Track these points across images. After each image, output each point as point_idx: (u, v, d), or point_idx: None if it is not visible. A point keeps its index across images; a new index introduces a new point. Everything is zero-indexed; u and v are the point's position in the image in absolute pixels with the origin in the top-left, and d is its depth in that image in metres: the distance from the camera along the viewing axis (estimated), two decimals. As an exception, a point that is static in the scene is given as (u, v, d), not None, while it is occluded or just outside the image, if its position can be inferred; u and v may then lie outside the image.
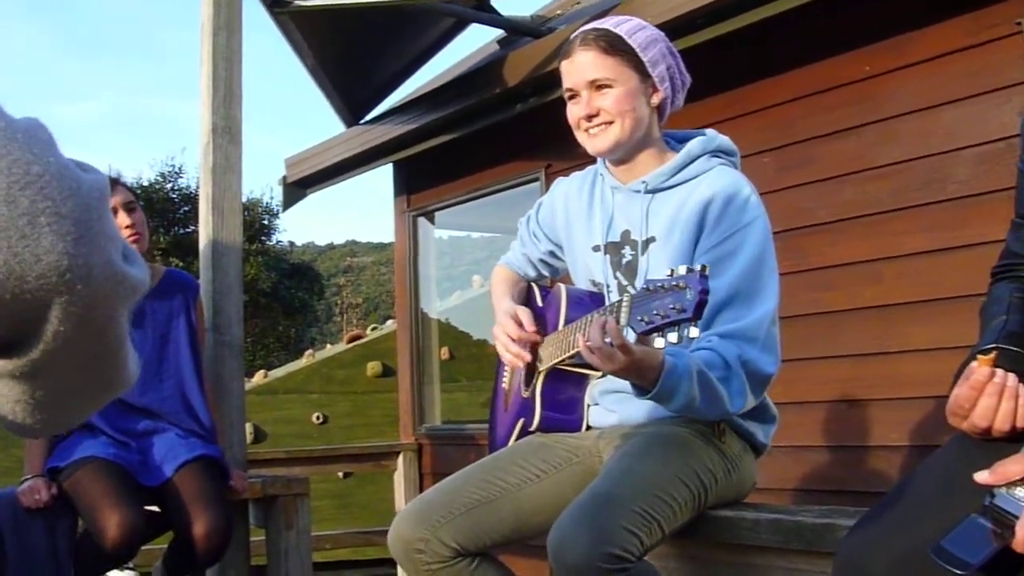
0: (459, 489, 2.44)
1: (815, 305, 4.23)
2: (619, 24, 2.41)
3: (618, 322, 1.95)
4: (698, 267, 1.83)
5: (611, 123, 2.39)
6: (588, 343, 2.04)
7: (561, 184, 2.73)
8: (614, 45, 2.36)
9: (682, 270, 1.84)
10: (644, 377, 2.09)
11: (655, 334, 1.87)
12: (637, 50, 2.37)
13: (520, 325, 2.50)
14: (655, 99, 2.43)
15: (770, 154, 4.42)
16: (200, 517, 3.24)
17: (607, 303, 2.27)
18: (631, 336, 2.00)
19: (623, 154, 2.47)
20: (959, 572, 1.41)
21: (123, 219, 3.45)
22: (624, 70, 2.37)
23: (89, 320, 0.69)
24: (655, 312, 1.84)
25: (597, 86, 2.38)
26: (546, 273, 2.84)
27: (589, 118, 2.40)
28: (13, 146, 0.64)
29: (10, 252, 0.62)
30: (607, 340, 2.00)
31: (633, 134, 2.41)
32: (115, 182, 3.55)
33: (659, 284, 1.86)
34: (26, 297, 0.64)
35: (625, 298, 1.93)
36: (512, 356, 2.51)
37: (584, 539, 2.03)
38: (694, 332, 1.84)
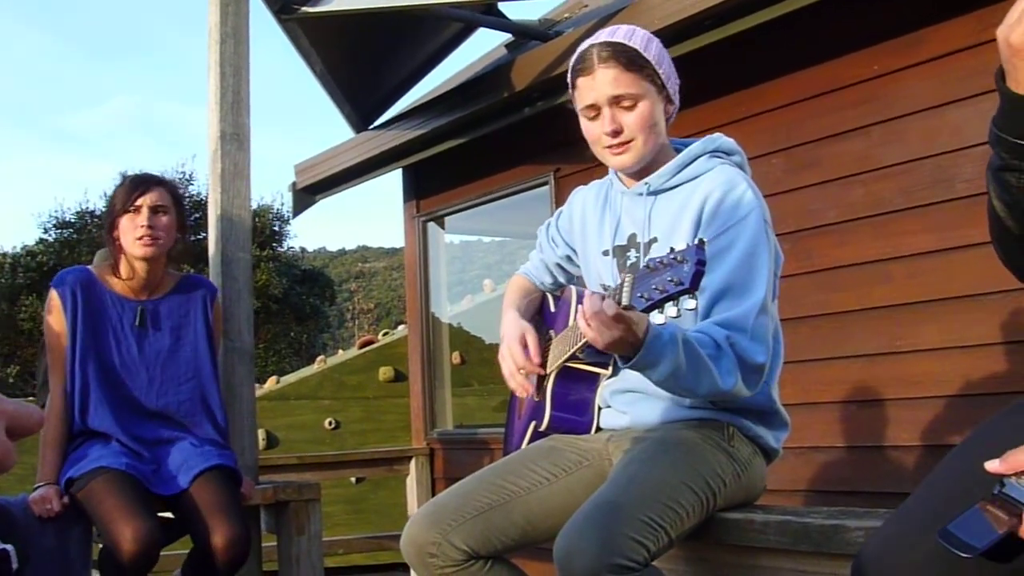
0: (471, 493, 2.45)
1: (824, 306, 4.23)
2: (630, 36, 2.40)
3: (620, 302, 1.95)
4: (696, 241, 1.84)
5: (633, 140, 2.41)
6: (586, 312, 2.04)
7: (579, 192, 2.77)
8: (634, 61, 2.37)
9: (682, 246, 1.86)
10: (632, 347, 2.09)
11: (655, 310, 1.89)
12: (653, 64, 2.39)
13: (525, 348, 2.53)
14: (669, 110, 2.47)
15: (778, 155, 4.42)
16: (219, 528, 3.22)
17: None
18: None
19: (643, 164, 2.48)
20: (965, 555, 1.42)
21: (142, 219, 3.45)
22: (645, 85, 2.39)
23: None
24: (654, 288, 1.86)
25: (620, 103, 2.39)
26: (562, 279, 2.87)
27: (615, 134, 2.40)
28: None
29: None
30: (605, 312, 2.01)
31: (654, 148, 2.45)
32: (157, 182, 3.56)
33: (659, 261, 1.88)
34: None
35: (627, 278, 1.94)
36: (515, 386, 2.55)
37: (591, 549, 2.03)
38: (690, 304, 1.86)
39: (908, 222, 3.97)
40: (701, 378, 2.18)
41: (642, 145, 2.41)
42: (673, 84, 2.46)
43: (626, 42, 2.38)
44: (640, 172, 2.50)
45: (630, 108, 2.38)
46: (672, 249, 1.87)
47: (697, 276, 1.81)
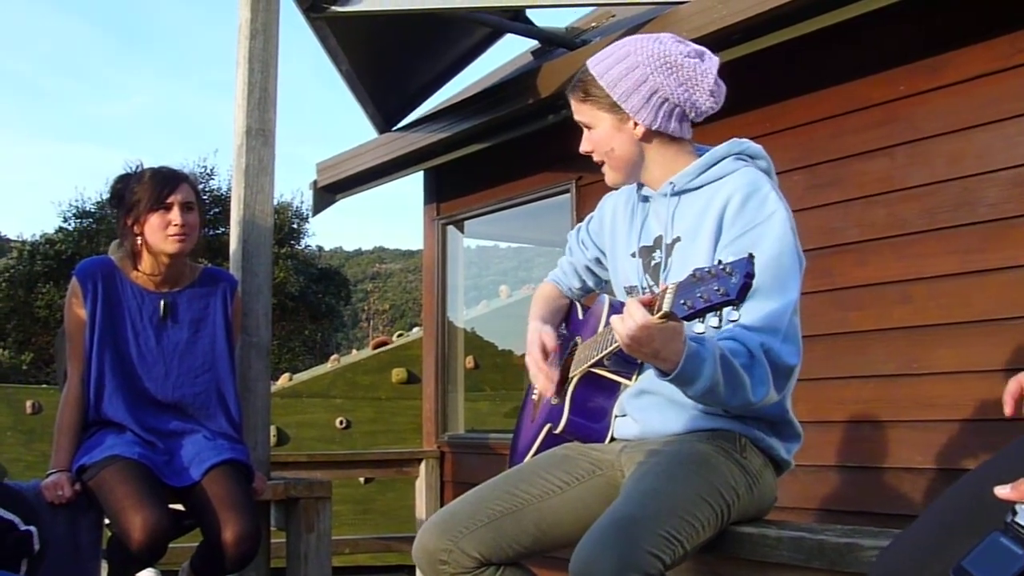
0: (482, 500, 2.45)
1: (842, 324, 4.22)
2: (597, 63, 2.47)
3: (661, 308, 1.96)
4: (746, 254, 1.85)
5: (603, 162, 2.55)
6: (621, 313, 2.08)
7: (611, 197, 2.81)
8: (587, 91, 2.49)
9: (730, 258, 1.86)
10: (666, 359, 2.10)
11: (696, 319, 1.89)
12: (606, 89, 2.44)
13: (544, 350, 2.60)
14: (638, 130, 2.47)
15: (801, 172, 4.41)
16: (229, 523, 3.22)
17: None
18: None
19: (632, 179, 2.59)
20: None
21: (175, 217, 3.46)
22: (597, 113, 2.49)
23: None
24: (699, 296, 1.86)
25: (585, 127, 2.54)
26: (591, 284, 2.90)
27: (588, 155, 2.57)
28: None
29: None
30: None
31: (625, 166, 2.54)
32: (183, 178, 3.55)
33: (705, 271, 1.88)
34: None
35: (670, 286, 1.95)
36: (541, 387, 2.60)
37: (608, 564, 2.03)
38: (735, 316, 1.87)
39: (930, 244, 3.96)
40: (736, 393, 2.20)
41: (610, 168, 2.55)
42: (636, 103, 2.42)
43: (590, 69, 2.48)
44: (645, 179, 2.58)
45: (591, 134, 2.54)
46: (720, 261, 1.87)
47: (744, 289, 1.82)
